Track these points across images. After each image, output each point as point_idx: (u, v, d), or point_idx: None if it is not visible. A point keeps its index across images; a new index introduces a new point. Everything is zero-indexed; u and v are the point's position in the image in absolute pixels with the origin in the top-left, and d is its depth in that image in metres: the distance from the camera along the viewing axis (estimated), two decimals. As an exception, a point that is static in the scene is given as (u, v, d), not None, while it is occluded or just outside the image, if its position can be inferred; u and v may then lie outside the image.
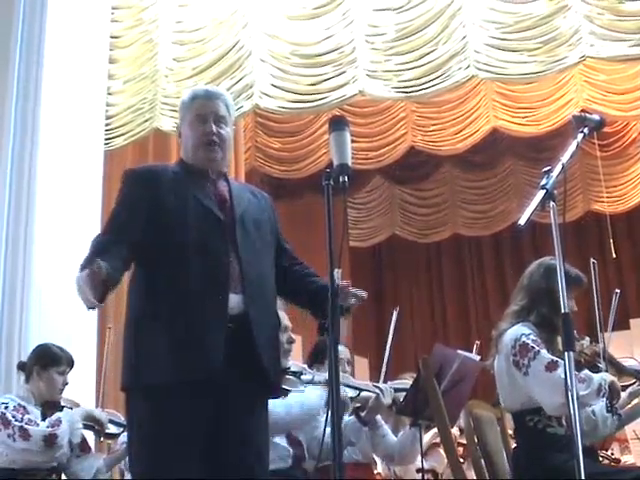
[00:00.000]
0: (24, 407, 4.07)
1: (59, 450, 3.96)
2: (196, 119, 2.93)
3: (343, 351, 4.69)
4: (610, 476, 3.41)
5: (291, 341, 4.08)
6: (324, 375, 3.98)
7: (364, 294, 2.83)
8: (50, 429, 3.96)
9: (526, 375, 3.43)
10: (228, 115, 2.98)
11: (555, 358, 3.37)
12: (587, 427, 3.63)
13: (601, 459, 4.43)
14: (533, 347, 3.42)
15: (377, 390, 4.30)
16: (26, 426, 3.94)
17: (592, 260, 4.41)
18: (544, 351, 3.41)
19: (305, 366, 4.27)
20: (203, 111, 2.93)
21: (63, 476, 4.22)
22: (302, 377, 4.14)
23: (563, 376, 3.25)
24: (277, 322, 3.00)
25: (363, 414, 4.26)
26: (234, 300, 2.76)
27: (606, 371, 4.10)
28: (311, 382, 4.16)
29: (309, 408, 4.00)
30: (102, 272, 2.48)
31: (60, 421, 4.00)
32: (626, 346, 8.24)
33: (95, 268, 2.48)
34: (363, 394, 4.27)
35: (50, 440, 3.93)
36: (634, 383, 4.25)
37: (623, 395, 4.34)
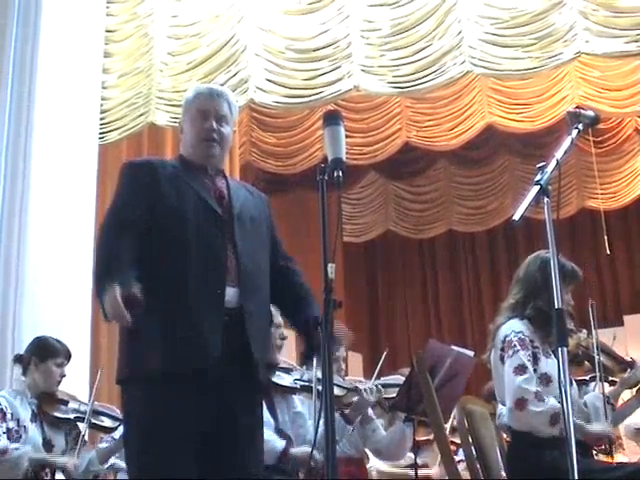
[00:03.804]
0: (5, 413, 4.03)
1: None
2: (198, 115, 2.95)
3: (339, 349, 4.70)
4: (603, 473, 3.41)
5: (283, 337, 4.09)
6: (313, 373, 4.00)
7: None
8: None
9: (504, 370, 3.48)
10: (230, 114, 3.00)
11: (526, 364, 3.42)
12: (579, 420, 3.64)
13: (595, 453, 4.45)
14: (515, 345, 3.47)
15: (361, 388, 4.32)
16: None
17: (591, 301, 4.42)
18: (523, 353, 3.45)
19: (294, 363, 4.28)
20: (205, 108, 2.95)
21: (58, 475, 4.22)
22: (292, 374, 4.16)
23: (523, 385, 3.36)
24: (270, 318, 3.02)
25: (347, 412, 4.27)
26: (230, 293, 2.77)
27: (601, 361, 4.13)
28: (300, 379, 4.17)
29: None
30: (139, 300, 2.56)
31: (6, 451, 3.94)
32: (620, 342, 8.24)
33: (136, 294, 2.56)
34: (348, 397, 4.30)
35: None
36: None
37: (615, 386, 4.37)
